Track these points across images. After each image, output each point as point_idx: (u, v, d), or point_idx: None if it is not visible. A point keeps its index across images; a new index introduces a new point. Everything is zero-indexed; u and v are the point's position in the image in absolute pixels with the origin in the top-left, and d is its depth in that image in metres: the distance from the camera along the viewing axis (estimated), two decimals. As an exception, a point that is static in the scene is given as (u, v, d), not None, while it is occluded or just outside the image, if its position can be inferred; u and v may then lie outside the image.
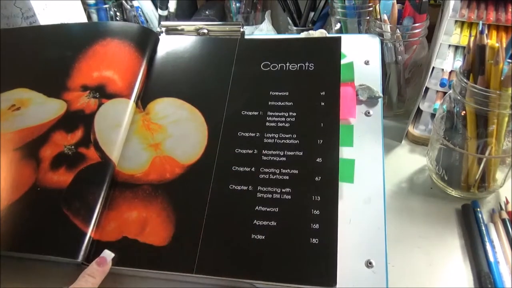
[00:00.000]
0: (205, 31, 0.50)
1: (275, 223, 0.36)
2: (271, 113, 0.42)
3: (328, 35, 0.48)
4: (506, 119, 0.39)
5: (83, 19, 0.68)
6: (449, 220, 0.43)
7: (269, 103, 0.43)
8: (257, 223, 0.36)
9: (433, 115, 0.52)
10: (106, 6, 0.74)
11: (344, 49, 0.45)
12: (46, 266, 0.39)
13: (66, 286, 0.33)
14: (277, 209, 0.37)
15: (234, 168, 0.39)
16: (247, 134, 0.41)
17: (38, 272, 0.39)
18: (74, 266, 0.38)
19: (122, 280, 0.38)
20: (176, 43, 0.49)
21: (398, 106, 0.58)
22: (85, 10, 0.69)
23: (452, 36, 0.51)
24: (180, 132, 0.42)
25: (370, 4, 0.55)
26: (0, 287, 0.38)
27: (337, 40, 0.45)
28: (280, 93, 0.43)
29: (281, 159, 0.39)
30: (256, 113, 0.42)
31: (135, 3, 0.76)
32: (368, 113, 0.43)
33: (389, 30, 0.50)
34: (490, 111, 0.39)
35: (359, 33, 0.58)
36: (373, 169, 0.39)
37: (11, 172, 0.41)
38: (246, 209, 0.37)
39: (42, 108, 0.45)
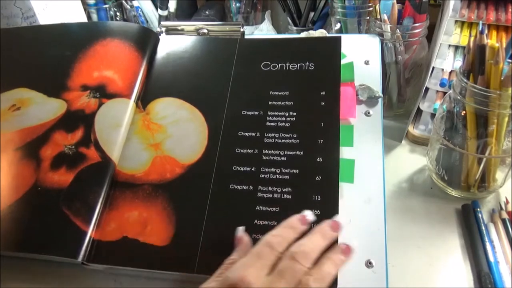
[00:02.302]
0: (205, 31, 0.50)
1: (275, 223, 0.36)
2: (271, 113, 0.42)
3: (328, 35, 0.48)
4: (506, 119, 0.39)
5: (83, 19, 0.68)
6: (449, 220, 0.43)
7: (269, 103, 0.43)
8: (258, 223, 0.36)
9: (433, 115, 0.52)
10: (106, 6, 0.74)
11: (344, 49, 0.45)
12: (46, 266, 0.39)
13: (66, 286, 0.33)
14: (278, 208, 0.37)
15: (234, 167, 0.40)
16: (247, 134, 0.41)
17: (38, 272, 0.39)
18: (75, 266, 0.38)
19: (122, 280, 0.38)
20: (176, 43, 0.49)
21: (398, 106, 0.58)
22: (85, 10, 0.69)
23: (452, 36, 0.51)
24: (180, 132, 0.42)
25: (370, 4, 0.55)
26: (0, 287, 0.38)
27: (337, 40, 0.45)
28: (280, 93, 0.43)
29: (281, 158, 0.39)
30: (256, 112, 0.42)
31: (135, 3, 0.76)
32: (368, 113, 0.43)
33: (389, 30, 0.50)
34: (490, 111, 0.39)
35: (359, 33, 0.58)
36: (373, 169, 0.39)
37: (11, 172, 0.41)
38: (247, 209, 0.37)
39: (42, 108, 0.45)
